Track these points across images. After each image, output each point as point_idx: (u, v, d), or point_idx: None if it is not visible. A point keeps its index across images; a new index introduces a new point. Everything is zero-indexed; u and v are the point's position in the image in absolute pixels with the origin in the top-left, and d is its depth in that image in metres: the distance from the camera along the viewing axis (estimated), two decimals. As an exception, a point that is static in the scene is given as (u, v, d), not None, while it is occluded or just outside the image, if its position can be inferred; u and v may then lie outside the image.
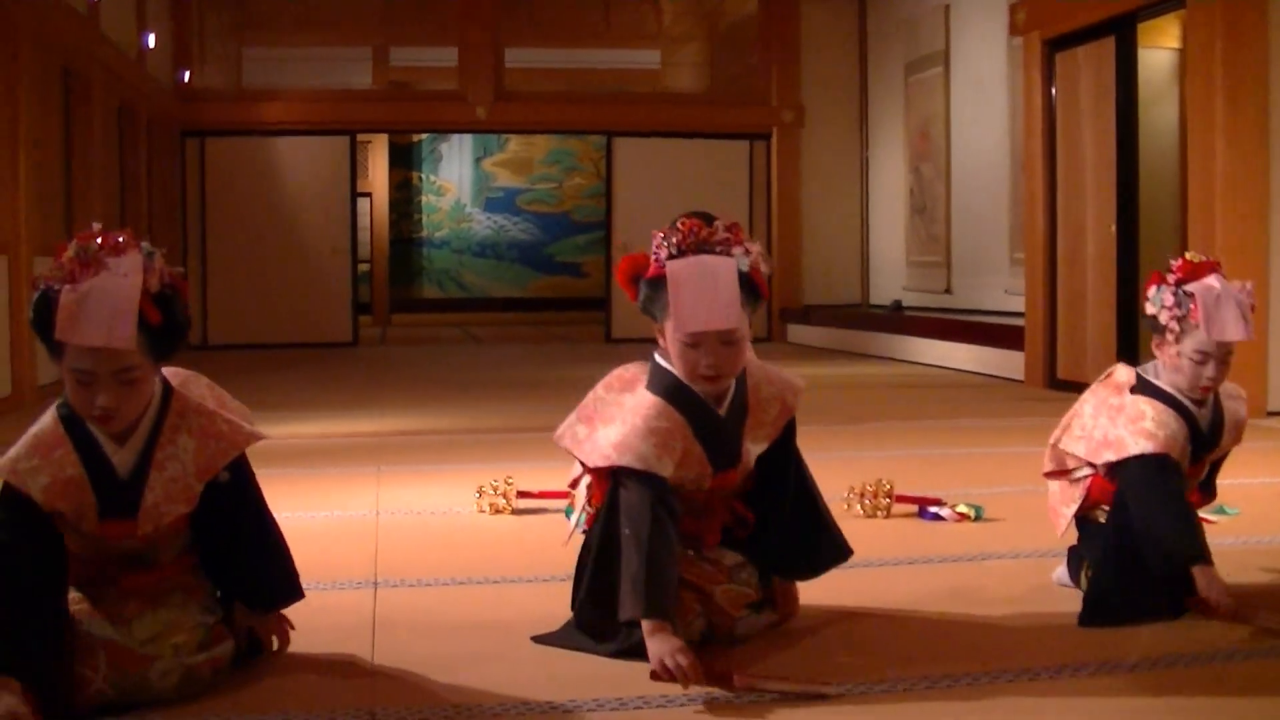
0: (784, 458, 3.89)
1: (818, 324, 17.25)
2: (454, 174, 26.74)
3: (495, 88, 17.99)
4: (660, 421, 3.62)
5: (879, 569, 4.69)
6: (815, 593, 4.02)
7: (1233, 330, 3.96)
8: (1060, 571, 4.32)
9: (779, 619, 3.84)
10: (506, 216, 26.78)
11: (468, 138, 25.98)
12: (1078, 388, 10.38)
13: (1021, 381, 11.61)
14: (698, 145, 17.91)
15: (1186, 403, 4.07)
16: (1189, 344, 4.00)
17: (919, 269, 16.54)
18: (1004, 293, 13.82)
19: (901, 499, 5.67)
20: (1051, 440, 4.30)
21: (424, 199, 26.67)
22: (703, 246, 3.59)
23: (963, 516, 5.51)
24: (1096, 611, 3.92)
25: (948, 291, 15.61)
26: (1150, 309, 4.10)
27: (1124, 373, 4.22)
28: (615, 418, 3.69)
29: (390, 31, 20.68)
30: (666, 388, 3.68)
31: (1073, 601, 4.08)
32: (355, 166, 18.17)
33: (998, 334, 12.58)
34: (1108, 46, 10.61)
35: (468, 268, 26.69)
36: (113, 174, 13.88)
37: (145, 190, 15.10)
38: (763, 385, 3.81)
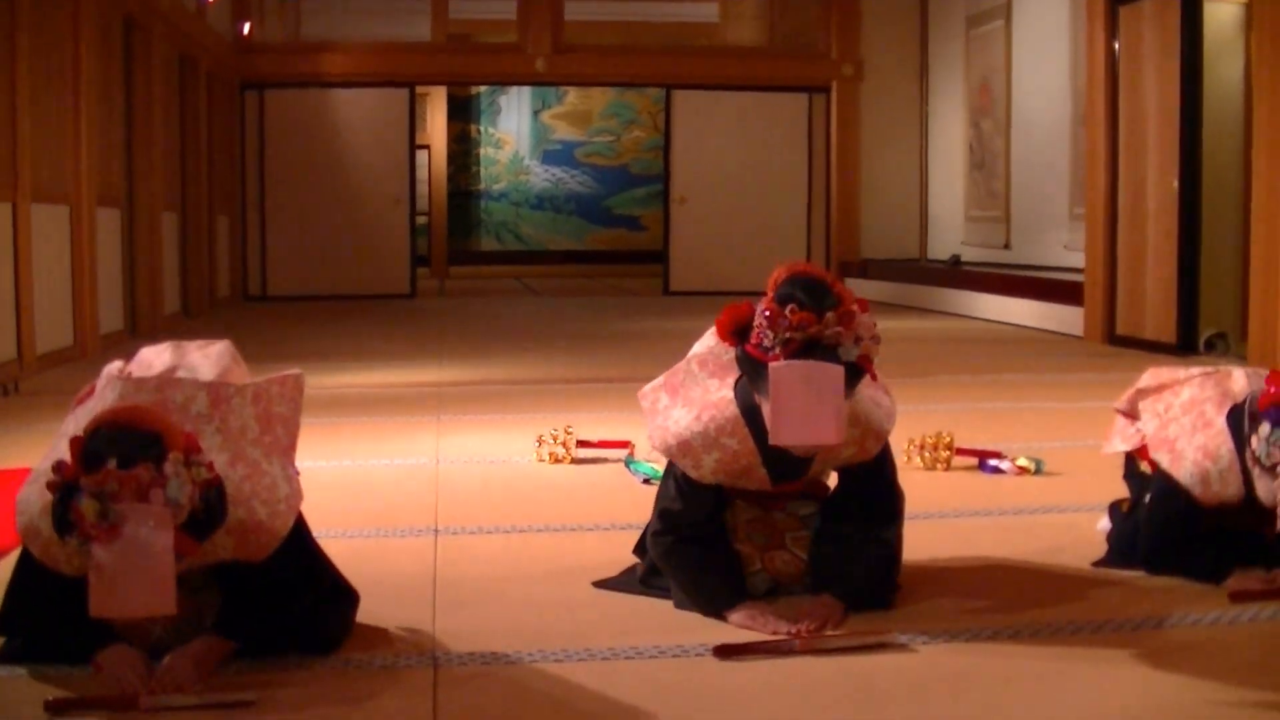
0: (864, 484, 3.74)
1: (876, 278, 17.18)
2: (512, 126, 26.69)
3: (554, 40, 17.94)
4: (731, 440, 3.55)
5: (939, 520, 4.69)
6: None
7: None
8: (1104, 523, 4.32)
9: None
10: (565, 169, 26.73)
11: (526, 90, 25.91)
12: (1137, 344, 10.42)
13: (1081, 337, 11.55)
14: (756, 98, 17.83)
15: (1256, 478, 3.72)
16: None
17: (978, 224, 16.47)
18: (1063, 248, 13.74)
19: (962, 452, 5.67)
20: (1138, 386, 4.14)
21: (482, 151, 26.65)
22: (811, 344, 3.32)
23: (1023, 470, 5.50)
24: (1117, 561, 4.02)
25: (1007, 247, 15.54)
26: (1257, 448, 3.67)
27: (1239, 383, 3.94)
28: (695, 402, 3.65)
29: (449, -18, 20.65)
30: (749, 411, 3.53)
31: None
32: (414, 119, 18.15)
33: (1057, 289, 12.50)
34: (1172, 0, 10.51)
35: (525, 220, 26.68)
36: (173, 126, 13.94)
37: (205, 142, 15.16)
38: (847, 428, 3.48)
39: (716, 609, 3.54)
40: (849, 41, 18.17)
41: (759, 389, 3.40)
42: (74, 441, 2.91)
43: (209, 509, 2.98)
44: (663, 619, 3.55)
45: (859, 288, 17.00)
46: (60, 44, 10.11)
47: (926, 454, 5.62)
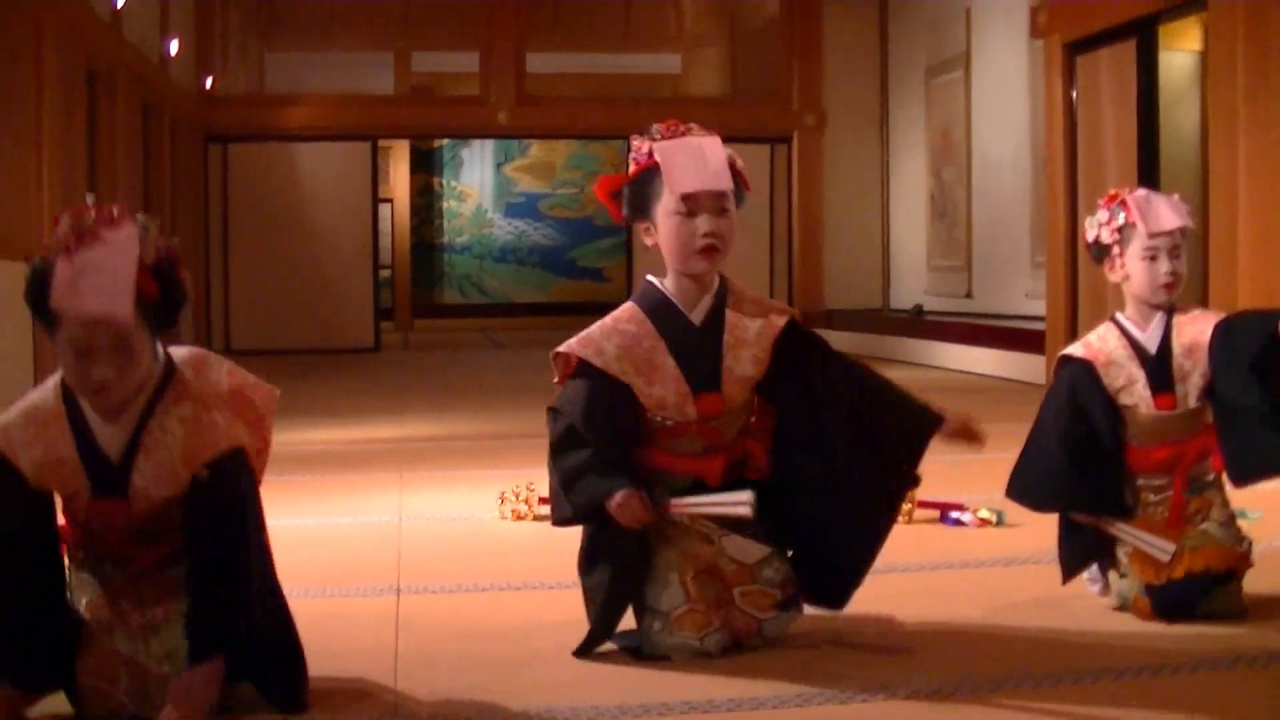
0: (802, 389, 3.78)
1: (839, 328, 17.22)
2: (475, 179, 26.75)
3: (516, 92, 18.00)
4: (629, 325, 3.72)
5: (902, 574, 4.68)
6: (837, 598, 4.03)
7: (1168, 218, 4.03)
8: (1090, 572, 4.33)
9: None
10: (528, 221, 26.78)
11: (489, 143, 25.99)
12: (1100, 392, 10.42)
13: (1042, 385, 11.58)
14: (719, 149, 17.87)
15: (1128, 323, 4.15)
16: (1134, 248, 4.06)
17: (940, 273, 16.54)
18: (1025, 296, 13.81)
19: (923, 504, 5.68)
20: None
21: (445, 204, 26.68)
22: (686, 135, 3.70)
23: (984, 522, 5.52)
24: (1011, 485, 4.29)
25: (969, 295, 15.60)
26: (1090, 235, 4.18)
27: None
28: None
29: (412, 36, 20.74)
30: (644, 295, 3.79)
31: (1095, 607, 4.10)
32: (377, 171, 18.20)
33: (1019, 338, 12.56)
34: (1129, 49, 10.60)
35: (489, 273, 26.70)
36: (136, 178, 13.92)
37: (169, 195, 15.14)
38: (745, 302, 3.79)
39: (597, 501, 3.56)
40: (811, 92, 18.28)
41: (651, 208, 3.69)
42: (54, 219, 3.13)
43: (169, 269, 3.21)
44: (627, 676, 3.54)
45: (823, 338, 17.03)
46: (22, 96, 10.11)
47: (889, 507, 5.63)
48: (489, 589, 4.55)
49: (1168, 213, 4.04)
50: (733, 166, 3.67)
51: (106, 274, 3.02)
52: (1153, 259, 4.03)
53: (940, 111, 16.56)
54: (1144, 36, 10.50)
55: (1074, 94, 11.35)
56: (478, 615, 4.22)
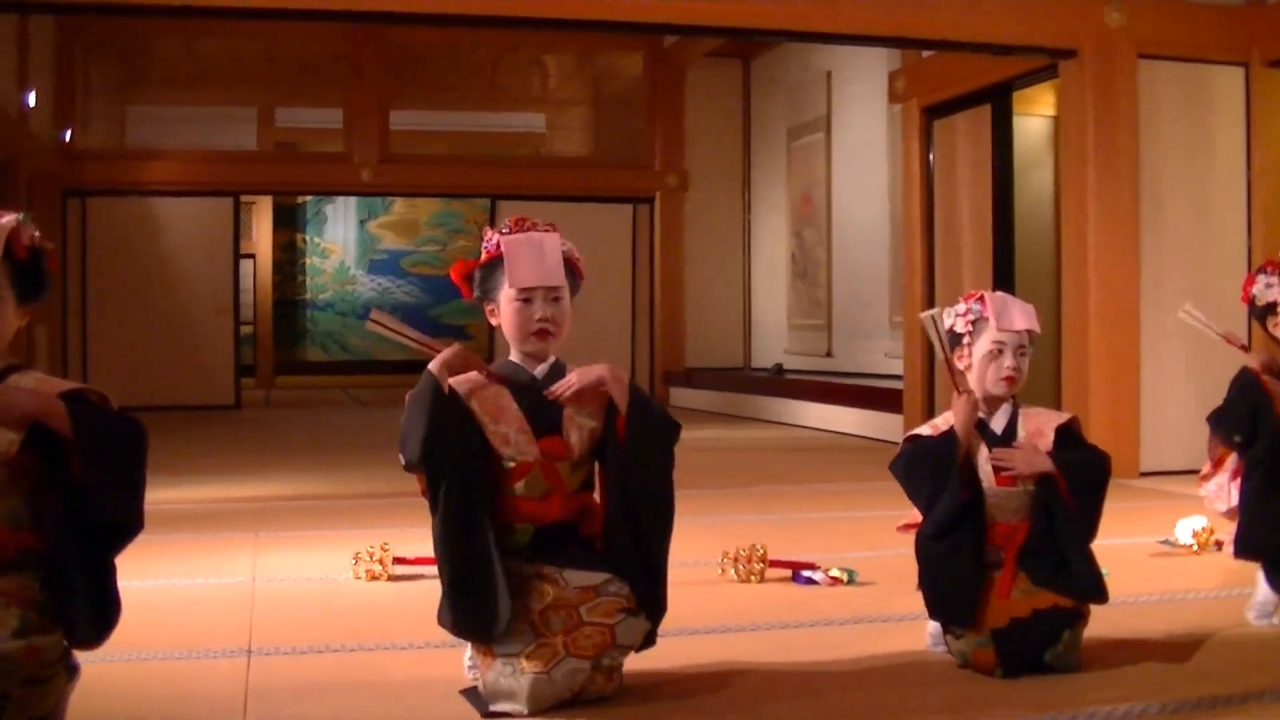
0: (617, 455, 4.00)
1: (700, 387, 17.32)
2: (339, 236, 26.62)
3: (380, 150, 17.96)
4: (479, 377, 4.02)
5: (752, 633, 4.72)
6: (685, 655, 4.05)
7: (1019, 320, 4.33)
8: (932, 632, 4.39)
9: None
10: (391, 279, 26.69)
11: (353, 200, 25.88)
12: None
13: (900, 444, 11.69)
14: (581, 209, 17.84)
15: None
16: (983, 341, 4.34)
17: (800, 332, 16.68)
18: (884, 356, 13.96)
19: (775, 564, 5.72)
20: None
21: (308, 261, 26.53)
22: (529, 231, 4.06)
23: (836, 580, 5.57)
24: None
25: (829, 355, 15.74)
26: (947, 323, 4.43)
27: None
28: None
29: (276, 92, 20.62)
30: (497, 364, 4.12)
31: (945, 663, 4.15)
32: (239, 228, 18.07)
33: (877, 397, 12.69)
34: (984, 114, 10.80)
35: (352, 330, 26.55)
36: (-10, 234, 13.69)
37: (24, 251, 14.90)
38: (581, 369, 4.04)
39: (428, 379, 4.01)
40: (673, 152, 18.41)
41: (496, 293, 4.05)
42: None
43: (40, 254, 3.68)
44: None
45: (684, 397, 17.13)
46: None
47: (740, 567, 5.68)
48: (340, 650, 4.52)
49: (1019, 315, 4.35)
50: (570, 260, 4.06)
51: None
52: (998, 353, 4.32)
53: (801, 173, 16.74)
54: (999, 102, 10.71)
55: (931, 157, 11.54)
56: (329, 676, 4.20)
